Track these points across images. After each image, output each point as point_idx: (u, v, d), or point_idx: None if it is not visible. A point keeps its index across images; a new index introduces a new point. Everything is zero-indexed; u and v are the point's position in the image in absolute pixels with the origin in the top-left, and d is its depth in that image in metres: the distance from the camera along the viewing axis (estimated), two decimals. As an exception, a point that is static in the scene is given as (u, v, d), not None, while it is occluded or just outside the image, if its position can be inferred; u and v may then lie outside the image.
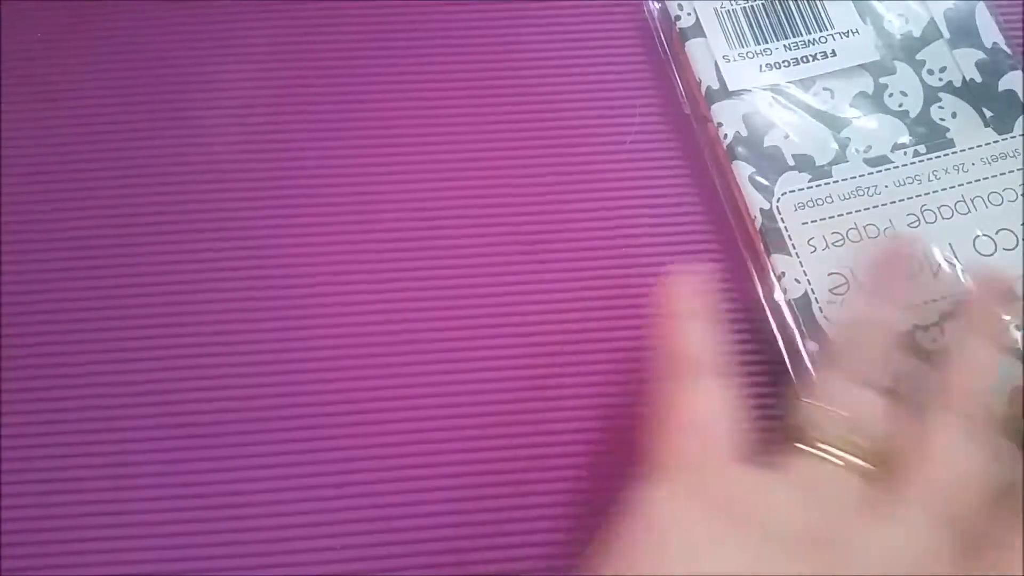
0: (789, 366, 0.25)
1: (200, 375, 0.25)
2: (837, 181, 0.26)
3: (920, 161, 0.26)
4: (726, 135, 0.26)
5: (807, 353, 0.24)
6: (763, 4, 0.28)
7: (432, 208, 0.28)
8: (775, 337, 0.25)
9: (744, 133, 0.26)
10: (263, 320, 0.26)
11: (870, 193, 0.25)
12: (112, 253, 0.26)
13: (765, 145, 0.26)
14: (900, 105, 0.27)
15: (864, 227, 0.25)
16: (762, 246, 0.25)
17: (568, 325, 0.26)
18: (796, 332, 0.24)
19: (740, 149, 0.26)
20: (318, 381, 0.25)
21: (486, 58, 0.30)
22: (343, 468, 0.24)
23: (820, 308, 0.24)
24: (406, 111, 0.29)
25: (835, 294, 0.24)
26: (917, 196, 0.25)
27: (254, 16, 0.30)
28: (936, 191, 0.25)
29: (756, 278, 0.26)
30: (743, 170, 0.26)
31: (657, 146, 0.28)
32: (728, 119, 0.26)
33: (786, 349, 0.25)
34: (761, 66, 0.27)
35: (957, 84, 0.27)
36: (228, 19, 0.29)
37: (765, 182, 0.25)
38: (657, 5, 0.29)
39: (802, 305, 0.24)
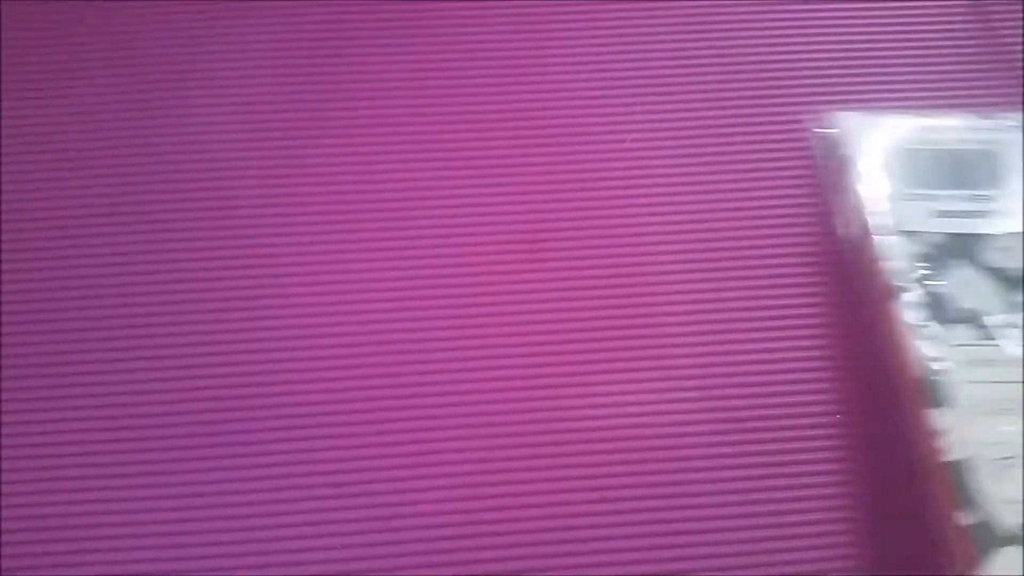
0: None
1: (199, 374, 0.25)
2: (1006, 346, 0.24)
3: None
4: (889, 272, 0.25)
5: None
6: (944, 151, 0.27)
7: (433, 207, 0.27)
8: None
9: (910, 274, 0.25)
10: (262, 319, 0.26)
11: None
12: (113, 251, 0.27)
13: (932, 291, 0.24)
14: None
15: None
16: (918, 397, 0.23)
17: (568, 325, 0.26)
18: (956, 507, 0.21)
19: (903, 289, 0.24)
20: (317, 381, 0.25)
21: (492, 57, 0.30)
22: (342, 468, 0.24)
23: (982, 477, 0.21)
24: (411, 109, 0.29)
25: (999, 464, 0.22)
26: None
27: (256, 13, 0.30)
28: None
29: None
30: (905, 313, 0.24)
31: (666, 151, 0.28)
32: (894, 256, 0.25)
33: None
34: (935, 211, 0.26)
35: None
36: (229, 17, 0.30)
37: (930, 329, 0.24)
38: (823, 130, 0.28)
39: (963, 470, 0.21)
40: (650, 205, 0.28)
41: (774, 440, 0.24)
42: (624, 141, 0.29)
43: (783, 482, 0.24)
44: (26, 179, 0.28)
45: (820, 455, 0.24)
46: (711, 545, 0.23)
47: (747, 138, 0.28)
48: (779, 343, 0.25)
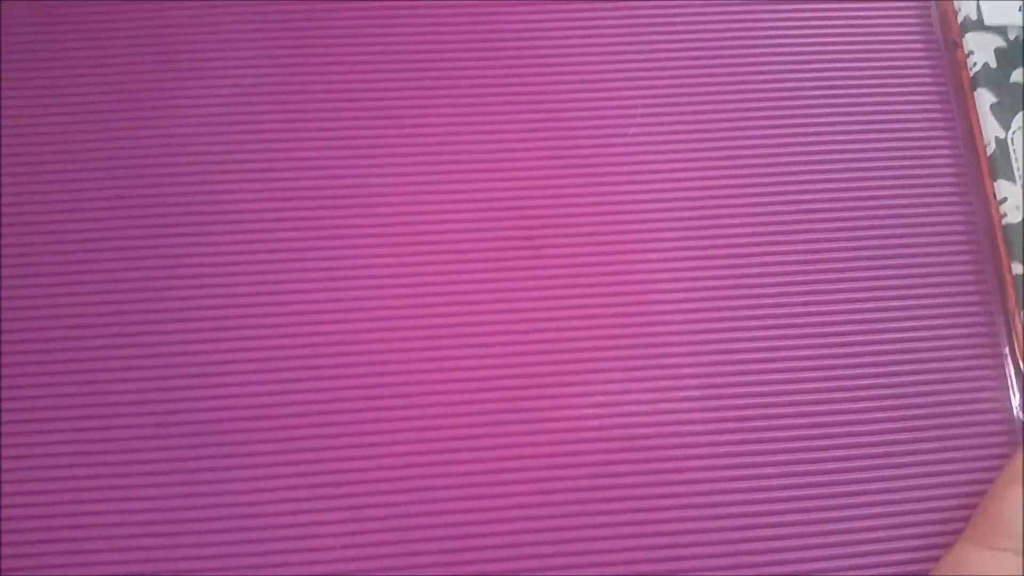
0: (997, 288, 0.27)
1: (199, 372, 0.25)
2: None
3: None
4: (975, 64, 0.28)
5: (1012, 276, 0.27)
6: None
7: (427, 202, 0.27)
8: (986, 262, 0.28)
9: (992, 65, 0.28)
10: (261, 316, 0.25)
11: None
12: (111, 247, 0.26)
13: (1011, 80, 0.28)
14: None
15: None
16: (989, 171, 0.27)
17: (568, 323, 0.26)
18: (1004, 255, 0.27)
19: (986, 79, 0.28)
20: (316, 379, 0.25)
21: (489, 49, 0.29)
22: (342, 467, 0.24)
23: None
24: (405, 103, 0.28)
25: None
26: None
27: (244, 7, 0.29)
28: None
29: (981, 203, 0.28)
30: (985, 98, 0.28)
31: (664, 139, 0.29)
32: (979, 49, 0.28)
33: (995, 273, 0.27)
34: (1020, 6, 0.29)
35: None
36: (216, 10, 0.29)
37: (1004, 113, 0.28)
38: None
39: (1015, 231, 0.27)
40: (650, 200, 0.27)
41: (776, 440, 0.25)
42: (626, 134, 0.28)
43: (784, 482, 0.25)
44: (25, 179, 0.27)
45: (821, 455, 0.25)
46: (712, 545, 0.24)
47: (750, 132, 0.28)
48: (781, 341, 0.26)
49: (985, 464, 0.26)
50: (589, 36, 0.29)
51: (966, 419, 0.26)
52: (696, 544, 0.24)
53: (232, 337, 0.25)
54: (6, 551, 0.23)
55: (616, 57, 0.29)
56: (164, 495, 0.23)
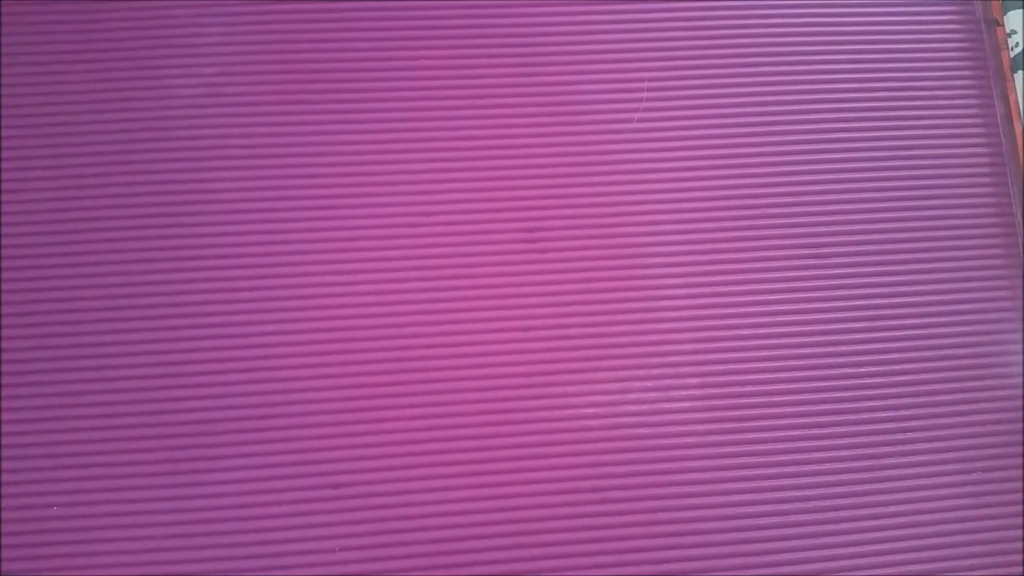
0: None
1: (198, 370, 0.25)
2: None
3: None
4: (1016, 44, 0.26)
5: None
6: None
7: (427, 197, 0.26)
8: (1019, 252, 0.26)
9: None
10: (259, 313, 0.25)
11: None
12: (110, 248, 0.26)
13: None
14: None
15: None
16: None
17: (569, 320, 0.26)
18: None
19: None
20: (315, 379, 0.25)
21: (487, 44, 0.28)
22: (340, 468, 0.24)
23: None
24: (403, 95, 0.27)
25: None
26: None
27: (255, 5, 0.28)
28: None
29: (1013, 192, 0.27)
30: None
31: (663, 127, 0.29)
32: (1022, 28, 0.26)
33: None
34: None
35: None
36: (226, 7, 0.28)
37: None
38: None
39: None
40: (651, 192, 0.27)
41: (778, 440, 0.25)
42: (632, 121, 0.28)
43: (787, 482, 0.25)
44: (24, 175, 0.27)
45: (824, 455, 0.25)
46: (713, 546, 0.24)
47: (753, 122, 0.26)
48: (781, 339, 0.25)
49: (989, 464, 0.25)
50: (589, 31, 0.28)
51: (970, 419, 0.25)
52: (699, 544, 0.24)
53: (230, 334, 0.25)
54: (6, 552, 0.23)
55: (619, 47, 0.28)
56: (164, 495, 0.24)
